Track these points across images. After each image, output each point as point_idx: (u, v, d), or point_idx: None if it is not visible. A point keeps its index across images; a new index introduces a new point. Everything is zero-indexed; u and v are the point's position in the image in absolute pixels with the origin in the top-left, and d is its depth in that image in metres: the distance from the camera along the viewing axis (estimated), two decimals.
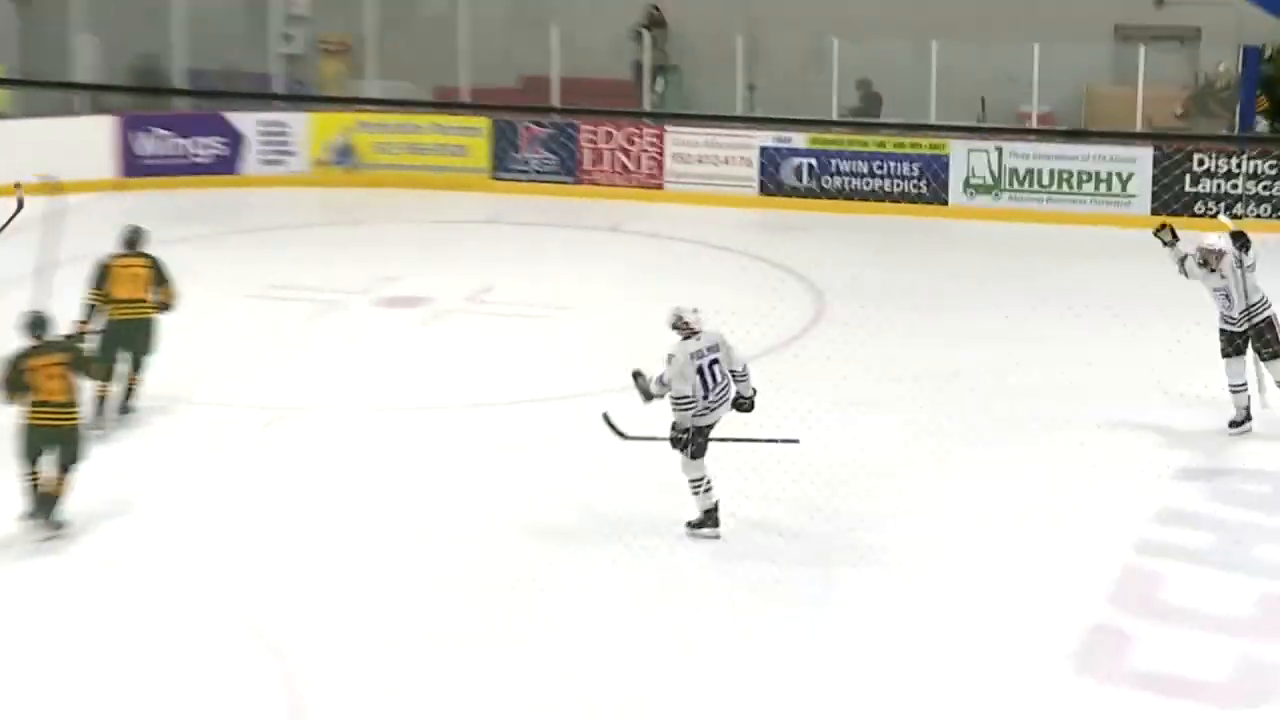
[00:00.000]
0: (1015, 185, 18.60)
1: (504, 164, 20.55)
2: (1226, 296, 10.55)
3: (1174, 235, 10.75)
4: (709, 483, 8.75)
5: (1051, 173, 18.50)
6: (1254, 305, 10.55)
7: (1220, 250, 10.51)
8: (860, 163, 19.12)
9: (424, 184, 20.41)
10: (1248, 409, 10.63)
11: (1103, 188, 18.27)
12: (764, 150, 19.44)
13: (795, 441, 9.11)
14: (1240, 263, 10.46)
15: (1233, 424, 10.62)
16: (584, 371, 12.16)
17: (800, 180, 19.31)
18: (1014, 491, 9.45)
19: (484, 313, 14.45)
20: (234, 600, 8.04)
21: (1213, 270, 10.53)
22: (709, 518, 8.78)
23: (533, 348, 13.15)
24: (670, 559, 8.52)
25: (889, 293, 14.46)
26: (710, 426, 8.74)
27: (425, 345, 13.43)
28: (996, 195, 18.66)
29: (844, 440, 9.63)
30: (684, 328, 8.73)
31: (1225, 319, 10.61)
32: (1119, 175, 18.19)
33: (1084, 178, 18.35)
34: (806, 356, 11.18)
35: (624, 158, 20.09)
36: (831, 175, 19.23)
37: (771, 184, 19.35)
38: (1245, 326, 10.55)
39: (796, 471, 9.08)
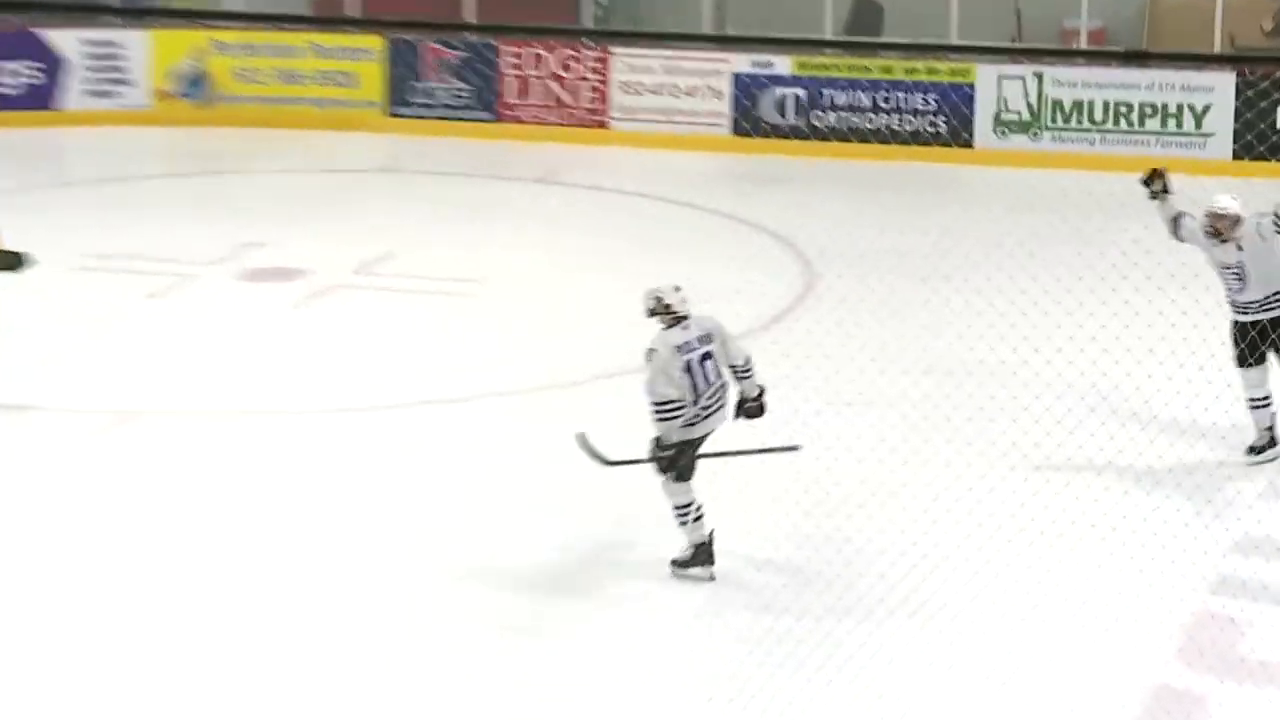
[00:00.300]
0: (1059, 122, 18.76)
1: (403, 97, 20.56)
2: (1239, 277, 10.24)
3: (1165, 186, 10.45)
4: (699, 510, 8.74)
5: (1105, 105, 18.65)
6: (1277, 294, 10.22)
7: (1236, 216, 10.20)
8: (860, 94, 19.22)
9: (299, 122, 20.39)
10: (1271, 431, 10.42)
11: (1171, 124, 18.44)
12: (738, 79, 19.52)
13: (796, 449, 9.20)
14: None
15: (1252, 449, 10.42)
16: (508, 363, 12.22)
17: (784, 117, 19.41)
18: (1049, 512, 9.49)
19: (378, 288, 14.49)
20: (53, 661, 8.00)
21: (1225, 241, 10.23)
22: (700, 554, 8.77)
23: (442, 333, 13.19)
24: (652, 606, 8.57)
25: (895, 261, 14.54)
26: (702, 439, 8.73)
27: (302, 330, 13.49)
28: (1035, 135, 18.82)
29: (837, 449, 9.70)
30: (666, 313, 8.71)
31: (1236, 307, 10.34)
32: (1191, 108, 18.35)
33: (1147, 112, 18.51)
34: (790, 342, 11.24)
35: (558, 88, 20.13)
36: (824, 110, 19.33)
37: (747, 122, 19.42)
38: (1263, 318, 10.20)
39: (779, 489, 9.15)
